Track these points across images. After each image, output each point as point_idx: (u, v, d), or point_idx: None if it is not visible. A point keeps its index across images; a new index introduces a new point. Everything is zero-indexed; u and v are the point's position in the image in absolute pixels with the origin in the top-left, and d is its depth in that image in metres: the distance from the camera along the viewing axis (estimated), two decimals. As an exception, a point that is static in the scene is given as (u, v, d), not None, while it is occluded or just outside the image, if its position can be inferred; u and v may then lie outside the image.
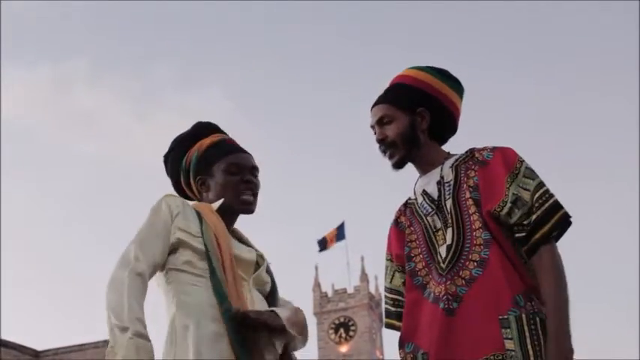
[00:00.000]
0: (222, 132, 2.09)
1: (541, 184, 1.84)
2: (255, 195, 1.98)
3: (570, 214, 1.82)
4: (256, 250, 1.99)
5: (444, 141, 2.08)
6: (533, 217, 1.78)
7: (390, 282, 2.06)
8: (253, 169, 2.00)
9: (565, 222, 1.81)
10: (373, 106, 2.06)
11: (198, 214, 1.87)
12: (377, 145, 2.06)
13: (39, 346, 33.98)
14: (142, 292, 1.70)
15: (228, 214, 1.93)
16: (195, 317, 1.73)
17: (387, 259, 2.09)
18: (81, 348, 33.27)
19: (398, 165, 2.00)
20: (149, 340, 1.61)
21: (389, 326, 2.04)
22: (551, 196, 1.82)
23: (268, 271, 1.99)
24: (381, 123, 2.00)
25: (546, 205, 1.80)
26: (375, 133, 2.03)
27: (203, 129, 2.06)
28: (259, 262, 1.95)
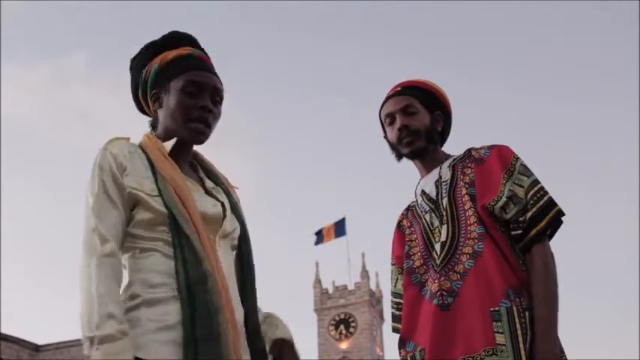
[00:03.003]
0: (199, 48, 1.80)
1: (536, 182, 1.87)
2: (209, 125, 1.67)
3: (564, 211, 1.84)
4: (222, 187, 1.72)
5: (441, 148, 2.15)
6: (529, 214, 1.81)
7: (395, 286, 2.11)
8: (215, 93, 1.69)
9: (558, 219, 1.84)
10: (392, 97, 2.11)
11: (150, 162, 1.59)
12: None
13: (39, 341, 34.06)
14: (115, 275, 1.45)
15: (179, 145, 1.65)
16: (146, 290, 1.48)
17: (392, 264, 2.14)
18: (81, 343, 33.24)
19: (414, 154, 2.05)
20: (121, 337, 1.37)
21: (396, 330, 2.06)
22: (546, 193, 1.85)
23: (235, 210, 1.69)
24: (405, 112, 2.06)
25: (541, 202, 1.83)
26: (391, 122, 2.08)
27: (174, 39, 1.77)
28: (226, 207, 1.66)
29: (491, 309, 1.74)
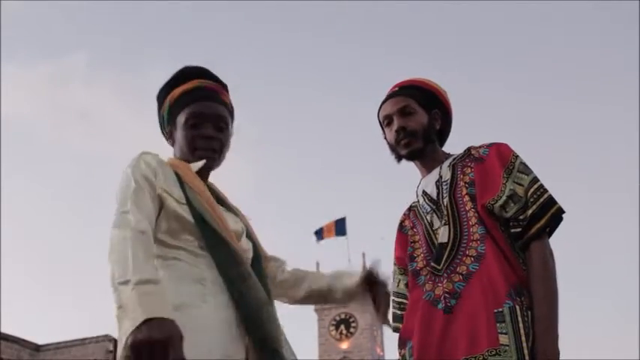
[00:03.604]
0: (208, 77, 1.85)
1: (535, 179, 1.87)
2: (216, 150, 1.75)
3: (564, 209, 1.84)
4: (237, 213, 1.81)
5: (441, 147, 2.15)
6: (529, 212, 1.81)
7: (397, 286, 2.11)
8: (217, 120, 1.76)
9: (558, 217, 1.84)
10: (389, 98, 2.11)
11: (178, 176, 1.66)
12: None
13: (40, 340, 34.06)
14: (148, 246, 1.46)
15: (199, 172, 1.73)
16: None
17: (394, 264, 2.14)
18: (82, 342, 33.32)
19: (412, 155, 2.06)
20: (157, 283, 1.36)
21: (397, 330, 2.06)
22: (546, 191, 1.85)
23: (249, 235, 1.78)
24: (402, 113, 2.06)
25: (541, 199, 1.83)
26: (389, 124, 2.09)
27: (184, 75, 1.84)
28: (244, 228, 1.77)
29: (495, 310, 1.74)
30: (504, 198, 1.84)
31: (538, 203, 1.82)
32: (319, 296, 1.98)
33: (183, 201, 1.60)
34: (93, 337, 32.67)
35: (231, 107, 1.86)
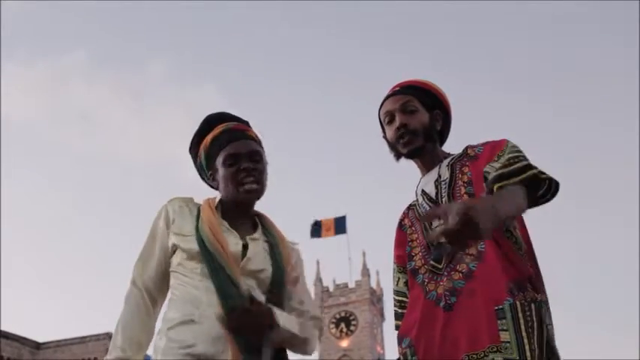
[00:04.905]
0: (230, 119, 2.07)
1: (516, 155, 1.84)
2: (257, 181, 1.94)
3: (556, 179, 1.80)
4: (272, 240, 1.96)
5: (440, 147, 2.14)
6: (496, 173, 1.79)
7: (397, 284, 2.12)
8: (252, 155, 1.96)
9: (539, 182, 1.78)
10: (391, 96, 2.11)
11: (199, 213, 1.91)
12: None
13: (40, 338, 34.07)
14: (137, 310, 1.85)
15: (235, 207, 1.95)
16: (181, 310, 1.80)
17: (394, 263, 2.14)
18: (82, 340, 33.35)
19: (413, 153, 2.05)
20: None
21: (398, 328, 2.06)
22: (523, 160, 1.82)
23: (275, 257, 1.92)
24: (404, 110, 2.05)
25: (515, 165, 1.80)
26: (390, 121, 2.08)
27: (208, 123, 2.05)
28: (249, 249, 1.88)
29: (496, 307, 1.74)
30: (485, 176, 1.84)
31: (512, 168, 1.79)
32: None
33: (191, 234, 1.86)
34: (93, 335, 32.66)
35: (259, 140, 2.05)
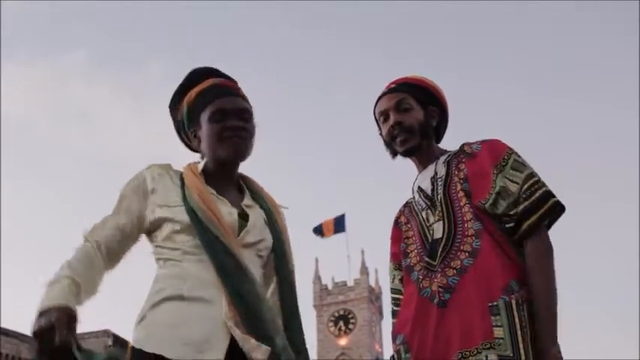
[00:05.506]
0: (218, 75, 1.90)
1: (531, 175, 1.85)
2: (244, 138, 1.78)
3: (564, 203, 1.83)
4: (263, 205, 1.81)
5: (437, 144, 2.13)
6: (520, 207, 1.81)
7: (392, 282, 2.11)
8: (241, 112, 1.80)
9: (557, 210, 1.83)
10: (386, 94, 2.09)
11: (182, 181, 1.73)
12: (379, 138, 2.11)
13: (39, 335, 34.05)
14: (86, 257, 1.63)
15: (219, 169, 1.79)
16: (169, 283, 1.62)
17: (390, 260, 2.14)
18: (81, 337, 32.94)
19: (409, 152, 2.04)
20: (70, 278, 1.56)
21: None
22: (542, 186, 1.84)
23: (271, 225, 1.78)
24: (398, 109, 2.04)
25: (535, 195, 1.82)
26: (385, 120, 2.07)
27: (196, 75, 1.88)
28: (250, 219, 1.74)
29: (490, 304, 1.73)
30: (494, 196, 1.83)
31: (531, 199, 1.81)
32: None
33: (178, 204, 1.67)
34: (92, 332, 32.64)
35: (248, 100, 1.88)
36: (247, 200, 1.80)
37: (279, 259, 1.76)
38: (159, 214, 1.68)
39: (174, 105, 1.90)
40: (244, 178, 1.87)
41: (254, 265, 1.68)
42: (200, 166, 1.77)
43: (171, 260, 1.64)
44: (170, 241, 1.66)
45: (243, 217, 1.72)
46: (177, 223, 1.65)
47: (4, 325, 30.72)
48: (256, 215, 1.76)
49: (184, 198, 1.67)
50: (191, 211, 1.64)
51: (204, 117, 1.80)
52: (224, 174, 1.80)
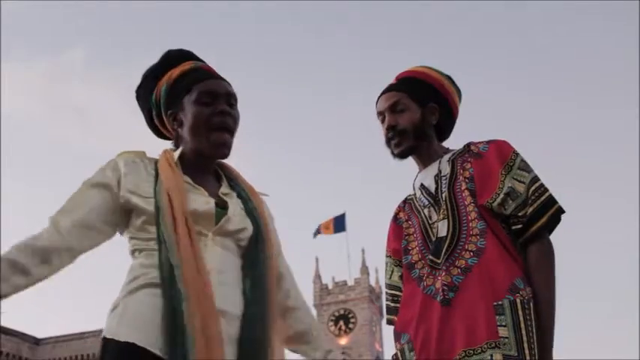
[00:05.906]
0: (196, 59, 1.81)
1: (536, 178, 1.87)
2: (230, 131, 1.70)
3: (564, 209, 1.85)
4: (241, 192, 1.74)
5: (442, 140, 2.12)
6: (530, 209, 1.81)
7: (390, 278, 2.09)
8: (230, 97, 1.72)
9: (558, 216, 1.84)
10: (383, 93, 2.07)
11: (157, 171, 1.65)
12: (380, 135, 2.08)
13: (39, 334, 34.14)
14: (44, 239, 1.60)
15: (200, 158, 1.70)
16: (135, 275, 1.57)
17: (387, 256, 2.12)
18: (81, 336, 33.39)
19: (403, 154, 2.03)
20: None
21: (390, 322, 2.05)
22: (546, 190, 1.85)
23: (250, 213, 1.70)
24: (393, 110, 2.02)
25: (542, 198, 1.83)
26: (383, 120, 2.05)
27: (173, 58, 1.80)
28: (227, 207, 1.66)
29: (495, 303, 1.73)
30: (502, 195, 1.83)
31: (539, 202, 1.82)
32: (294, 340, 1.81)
33: (149, 195, 1.61)
34: (91, 332, 32.71)
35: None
36: (225, 188, 1.73)
37: (260, 245, 1.68)
38: (134, 201, 1.60)
39: (147, 87, 1.80)
40: (221, 165, 1.79)
41: (227, 253, 1.62)
42: (176, 155, 1.68)
43: (146, 250, 1.58)
44: (144, 231, 1.60)
45: (222, 205, 1.66)
46: (149, 214, 1.59)
47: (5, 324, 30.73)
48: (235, 203, 1.69)
49: (155, 191, 1.61)
50: (157, 209, 1.58)
51: (189, 98, 1.70)
52: (202, 164, 1.72)
